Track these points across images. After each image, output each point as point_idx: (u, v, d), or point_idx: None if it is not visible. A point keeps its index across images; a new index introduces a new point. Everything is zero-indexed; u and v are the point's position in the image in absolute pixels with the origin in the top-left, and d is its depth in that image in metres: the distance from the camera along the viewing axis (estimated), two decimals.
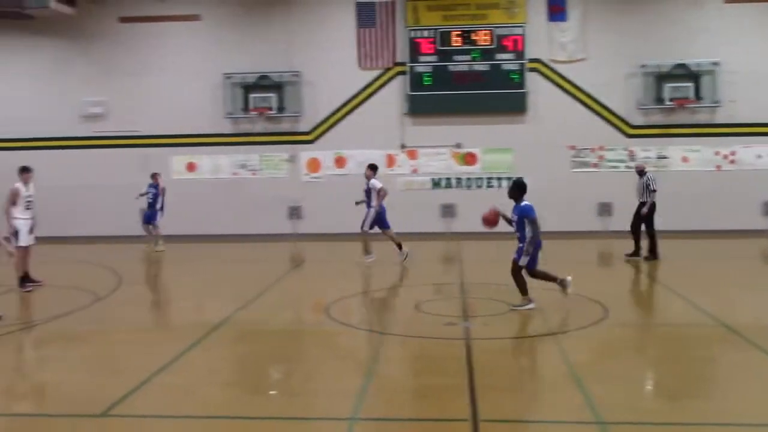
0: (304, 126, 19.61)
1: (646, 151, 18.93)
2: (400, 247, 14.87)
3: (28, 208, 12.56)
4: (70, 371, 8.32)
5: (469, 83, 19.03)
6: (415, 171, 19.45)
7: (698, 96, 18.66)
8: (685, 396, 7.14)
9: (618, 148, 19.12)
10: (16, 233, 12.29)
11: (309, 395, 7.41)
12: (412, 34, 19.10)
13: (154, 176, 17.69)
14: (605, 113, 19.11)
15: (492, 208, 10.45)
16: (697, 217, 18.39)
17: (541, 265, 10.50)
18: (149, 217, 17.56)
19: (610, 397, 6.90)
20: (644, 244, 14.96)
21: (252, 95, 19.27)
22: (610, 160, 19.13)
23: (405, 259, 14.68)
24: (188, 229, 19.16)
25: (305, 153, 19.61)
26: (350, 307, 11.27)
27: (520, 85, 18.97)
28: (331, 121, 19.56)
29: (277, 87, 19.29)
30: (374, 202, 14.56)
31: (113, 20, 19.68)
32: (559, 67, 19.10)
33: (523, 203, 10.26)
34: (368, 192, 14.76)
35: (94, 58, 19.86)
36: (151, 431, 6.49)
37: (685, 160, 19.01)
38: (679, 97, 18.55)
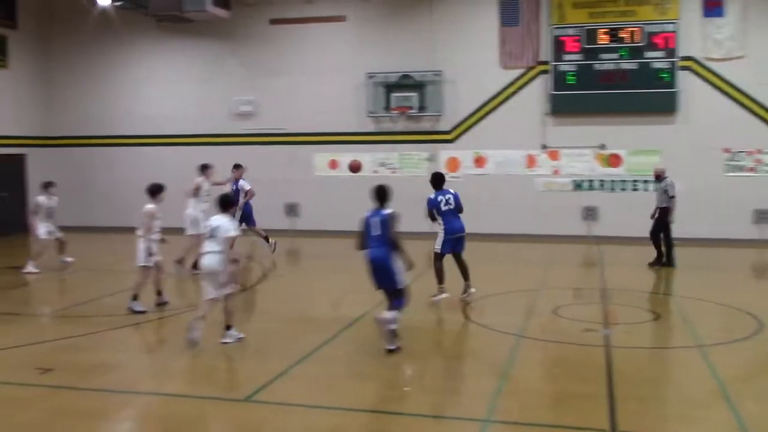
0: (444, 125, 19.64)
1: None
2: (267, 240, 15.67)
3: (204, 201, 13.96)
4: (217, 356, 8.76)
5: (615, 82, 18.39)
6: (556, 172, 19.02)
7: None
8: None
9: None
10: (193, 222, 13.68)
11: (443, 394, 7.43)
12: (556, 32, 18.69)
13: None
14: (765, 115, 17.92)
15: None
16: None
17: None
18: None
19: (765, 416, 6.48)
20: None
21: (394, 94, 19.51)
22: None
23: (274, 250, 15.57)
24: (329, 225, 19.69)
25: (445, 152, 19.63)
26: (487, 307, 11.18)
27: (671, 84, 18.13)
28: (472, 120, 19.48)
29: (419, 86, 19.43)
30: (240, 201, 14.83)
31: (264, 22, 20.50)
32: (714, 66, 18.08)
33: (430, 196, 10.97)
34: (237, 192, 14.97)
35: (246, 59, 20.77)
36: (291, 419, 6.72)
37: None
38: None
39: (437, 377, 8.04)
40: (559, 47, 18.66)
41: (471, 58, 19.23)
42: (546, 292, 12.28)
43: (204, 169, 14.44)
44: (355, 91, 19.88)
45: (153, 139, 21.41)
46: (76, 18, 21.13)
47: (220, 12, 18.99)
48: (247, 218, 15.51)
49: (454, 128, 19.61)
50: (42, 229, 14.57)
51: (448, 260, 11.37)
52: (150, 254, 10.78)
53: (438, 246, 11.23)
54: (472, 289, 11.27)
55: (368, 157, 19.99)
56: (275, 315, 10.94)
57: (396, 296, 8.60)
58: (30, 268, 14.31)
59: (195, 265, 13.14)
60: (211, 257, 8.86)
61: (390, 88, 19.54)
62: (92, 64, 21.84)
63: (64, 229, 15.31)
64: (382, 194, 8.85)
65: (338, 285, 13.29)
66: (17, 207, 21.22)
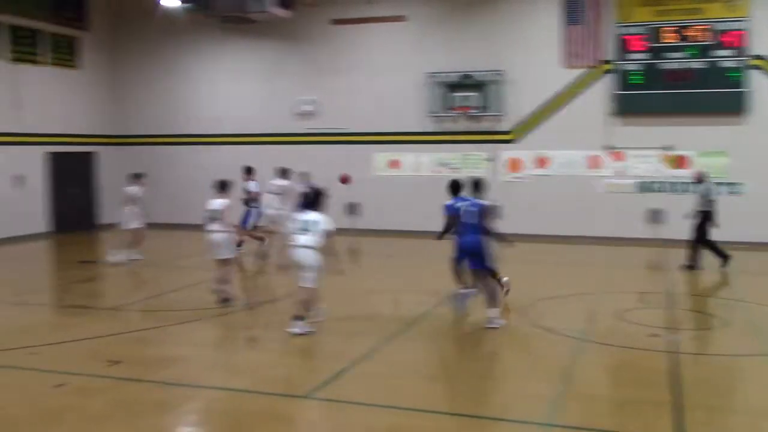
0: (505, 125, 19.48)
1: None
2: (262, 240, 15.65)
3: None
4: (278, 353, 8.88)
5: (682, 82, 17.95)
6: (620, 173, 18.66)
7: None
8: None
9: None
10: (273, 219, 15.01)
11: (503, 395, 7.38)
12: (621, 30, 18.34)
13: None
14: None
15: None
16: None
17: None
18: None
19: None
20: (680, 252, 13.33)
21: (454, 94, 19.45)
22: None
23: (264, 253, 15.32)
24: (389, 224, 19.76)
25: (506, 152, 19.47)
26: (548, 309, 11.05)
27: (740, 84, 17.60)
28: (533, 120, 19.27)
29: (480, 86, 19.31)
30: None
31: (325, 23, 20.66)
32: None
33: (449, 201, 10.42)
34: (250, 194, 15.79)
35: (307, 59, 20.97)
36: (351, 417, 6.76)
37: None
38: None
39: (496, 379, 7.99)
40: (623, 46, 18.31)
41: (533, 58, 19.02)
42: (609, 295, 12.08)
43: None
44: (415, 90, 19.88)
45: (215, 138, 21.81)
46: (144, 19, 21.69)
47: (282, 12, 19.20)
48: (243, 220, 15.55)
49: (516, 128, 19.44)
50: (133, 218, 15.16)
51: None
52: (237, 246, 11.07)
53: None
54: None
55: (428, 157, 19.97)
56: (336, 313, 11.01)
57: (486, 278, 9.75)
58: (132, 256, 15.11)
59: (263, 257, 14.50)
60: (305, 250, 9.24)
61: (451, 87, 19.48)
62: (158, 65, 22.38)
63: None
64: (478, 186, 9.92)
65: (399, 284, 13.31)
66: (87, 203, 21.92)
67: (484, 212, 9.71)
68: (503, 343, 9.62)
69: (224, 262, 11.25)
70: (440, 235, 10.80)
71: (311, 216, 9.38)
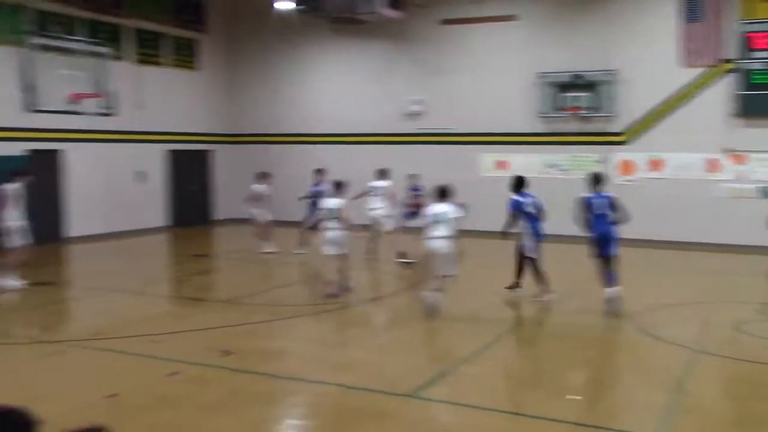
0: (617, 126, 18.94)
1: None
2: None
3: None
4: (385, 350, 8.98)
5: None
6: (740, 177, 17.78)
7: None
8: None
9: None
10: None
11: (609, 404, 7.20)
12: (744, 28, 17.47)
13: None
14: None
15: None
16: None
17: None
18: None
19: None
20: None
21: (565, 94, 19.07)
22: None
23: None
24: (495, 226, 19.53)
25: (618, 154, 18.93)
26: (661, 317, 10.68)
27: None
28: (647, 121, 18.64)
29: (591, 86, 18.85)
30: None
31: (435, 23, 20.68)
32: None
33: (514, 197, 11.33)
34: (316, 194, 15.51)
35: (416, 59, 21.05)
36: (455, 418, 6.76)
37: None
38: None
39: (604, 387, 7.79)
40: (746, 44, 17.44)
41: (647, 57, 18.38)
42: (726, 305, 11.54)
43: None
44: (525, 91, 19.61)
45: (325, 138, 22.21)
46: (259, 22, 22.37)
47: (393, 13, 19.36)
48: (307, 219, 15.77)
49: (628, 129, 18.86)
50: (263, 214, 16.04)
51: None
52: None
53: (531, 251, 11.37)
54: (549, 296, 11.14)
55: (537, 158, 19.66)
56: (442, 313, 11.03)
57: (613, 264, 10.69)
58: (268, 248, 15.93)
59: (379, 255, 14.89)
60: (440, 240, 10.08)
61: (561, 88, 19.10)
62: (271, 65, 23.01)
63: (238, 221, 16.28)
64: (599, 179, 10.97)
65: (499, 285, 13.17)
66: (203, 199, 22.82)
67: (614, 203, 10.70)
68: (611, 349, 9.39)
69: (340, 257, 11.67)
70: (504, 232, 11.42)
71: (443, 208, 10.22)
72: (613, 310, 10.40)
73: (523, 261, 11.51)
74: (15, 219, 11.99)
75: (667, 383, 7.69)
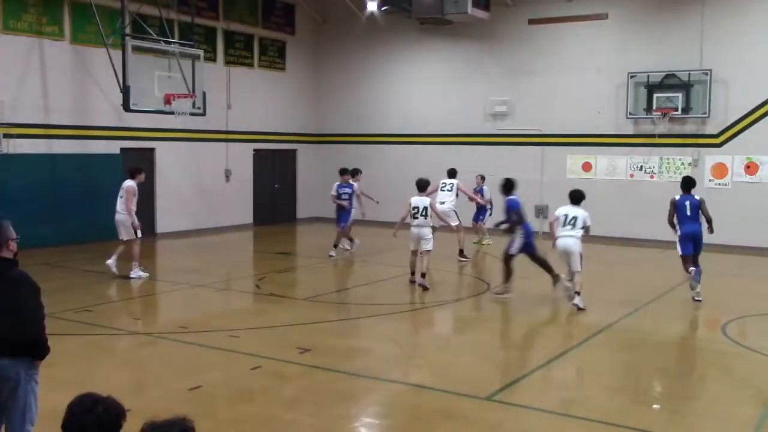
0: (710, 128, 18.24)
1: None
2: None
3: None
4: (461, 352, 8.92)
5: None
6: None
7: None
8: None
9: None
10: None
11: (694, 416, 6.93)
12: None
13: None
14: None
15: None
16: None
17: None
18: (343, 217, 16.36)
19: None
20: None
21: (656, 95, 18.47)
22: None
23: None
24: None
25: (710, 157, 18.23)
26: (751, 327, 10.24)
27: None
28: (744, 123, 17.87)
29: (684, 86, 18.21)
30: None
31: (522, 22, 20.41)
32: None
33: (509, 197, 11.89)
34: (351, 195, 15.83)
35: (503, 59, 20.83)
36: (530, 423, 6.66)
37: None
38: None
39: (690, 398, 7.51)
40: None
41: (745, 56, 17.62)
42: None
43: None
44: (614, 91, 19.12)
45: (409, 138, 22.23)
46: (345, 23, 22.60)
47: (481, 13, 19.20)
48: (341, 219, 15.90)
49: (723, 131, 18.13)
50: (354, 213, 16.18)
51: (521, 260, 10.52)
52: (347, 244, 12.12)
53: (515, 249, 11.73)
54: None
55: (625, 160, 19.16)
56: (522, 317, 10.89)
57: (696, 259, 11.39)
58: (348, 246, 16.28)
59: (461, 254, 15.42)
60: (569, 239, 10.84)
61: (652, 88, 18.51)
62: (356, 67, 23.20)
63: (324, 220, 16.44)
64: (692, 183, 11.66)
65: (585, 290, 12.89)
66: (287, 198, 23.23)
67: (701, 206, 11.37)
68: (699, 359, 9.06)
69: (427, 253, 12.24)
70: (509, 229, 11.78)
71: (575, 211, 10.99)
72: (694, 286, 11.25)
73: (539, 259, 11.98)
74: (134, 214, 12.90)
75: (761, 396, 7.37)
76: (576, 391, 7.40)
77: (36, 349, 4.81)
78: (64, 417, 3.05)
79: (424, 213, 12.23)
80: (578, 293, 10.84)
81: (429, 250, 12.28)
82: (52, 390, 5.73)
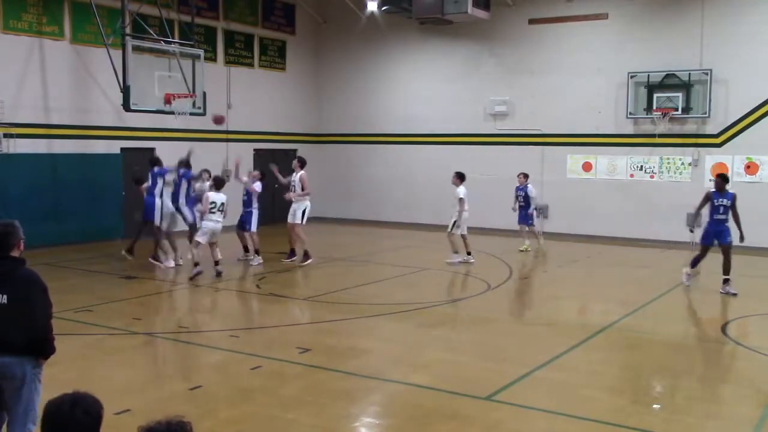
0: (711, 128, 18.25)
1: None
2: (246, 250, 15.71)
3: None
4: (462, 353, 8.91)
5: None
6: None
7: None
8: None
9: None
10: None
11: (694, 416, 6.93)
12: None
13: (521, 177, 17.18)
14: None
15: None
16: None
17: None
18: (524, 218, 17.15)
19: None
20: None
21: (656, 95, 18.47)
22: None
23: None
24: (578, 228, 19.20)
25: (710, 157, 18.24)
26: (752, 327, 10.24)
27: None
28: (744, 123, 17.87)
29: (684, 86, 18.21)
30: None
31: (523, 22, 20.41)
32: None
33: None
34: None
35: (503, 59, 20.83)
36: (530, 423, 6.66)
37: None
38: None
39: (690, 398, 7.50)
40: None
41: (745, 56, 17.63)
42: None
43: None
44: (614, 91, 19.14)
45: (408, 138, 22.23)
46: (345, 23, 22.61)
47: (481, 13, 19.19)
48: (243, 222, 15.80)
49: (723, 131, 18.13)
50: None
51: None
52: None
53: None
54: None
55: (625, 160, 19.17)
56: (519, 317, 10.89)
57: (728, 252, 12.04)
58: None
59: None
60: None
61: (652, 88, 18.52)
62: (357, 66, 23.20)
63: (324, 220, 16.41)
64: (725, 179, 12.10)
65: (586, 290, 12.91)
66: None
67: (733, 203, 11.94)
68: (699, 359, 9.05)
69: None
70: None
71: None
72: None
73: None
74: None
75: (762, 396, 7.37)
76: (576, 391, 7.39)
77: (42, 348, 4.81)
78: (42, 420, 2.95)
79: (221, 208, 13.49)
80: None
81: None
82: (52, 390, 5.72)
